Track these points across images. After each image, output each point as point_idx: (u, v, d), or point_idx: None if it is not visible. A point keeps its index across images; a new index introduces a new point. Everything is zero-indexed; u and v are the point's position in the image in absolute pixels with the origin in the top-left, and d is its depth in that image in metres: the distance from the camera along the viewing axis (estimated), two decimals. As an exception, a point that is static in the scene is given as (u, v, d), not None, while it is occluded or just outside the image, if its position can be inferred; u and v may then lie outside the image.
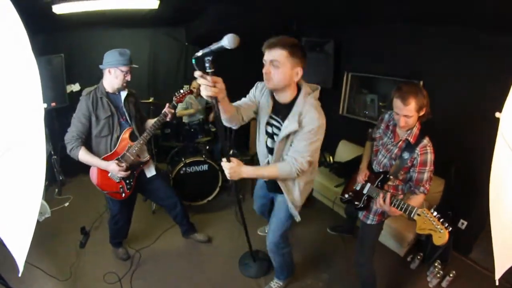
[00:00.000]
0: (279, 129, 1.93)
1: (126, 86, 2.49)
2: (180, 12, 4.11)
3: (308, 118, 1.77)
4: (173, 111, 2.66)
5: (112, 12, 3.52)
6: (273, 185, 2.21)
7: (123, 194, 2.60)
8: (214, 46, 1.35)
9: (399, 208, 1.95)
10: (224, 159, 1.83)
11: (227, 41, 1.28)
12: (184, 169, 3.62)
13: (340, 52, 4.18)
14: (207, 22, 4.11)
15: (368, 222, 2.30)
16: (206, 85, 1.44)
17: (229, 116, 1.79)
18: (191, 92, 2.91)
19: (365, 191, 2.27)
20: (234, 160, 1.85)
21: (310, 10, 3.60)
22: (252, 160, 5.10)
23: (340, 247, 3.35)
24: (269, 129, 2.01)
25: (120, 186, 2.57)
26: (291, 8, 3.67)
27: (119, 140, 2.48)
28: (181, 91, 2.79)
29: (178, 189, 3.59)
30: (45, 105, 3.96)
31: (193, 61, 1.40)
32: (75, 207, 3.96)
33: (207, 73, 1.42)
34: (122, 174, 2.45)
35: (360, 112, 4.32)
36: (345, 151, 4.28)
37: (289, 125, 1.83)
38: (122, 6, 3.31)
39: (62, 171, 4.32)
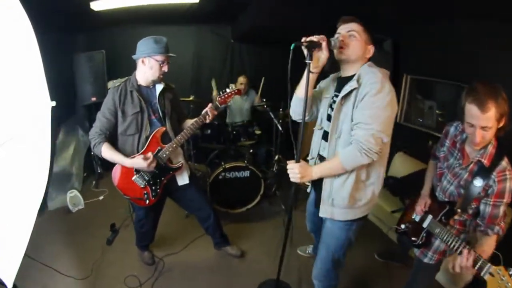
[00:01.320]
0: (334, 101, 1.72)
1: (163, 79, 2.22)
2: (223, 7, 3.92)
3: (368, 78, 1.53)
4: (215, 112, 2.33)
5: (152, 8, 3.47)
6: (319, 196, 1.84)
7: (147, 201, 2.31)
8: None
9: None
10: (291, 161, 1.67)
11: (333, 43, 1.46)
12: (223, 174, 3.35)
13: (399, 51, 3.71)
14: (252, 18, 3.82)
15: (426, 260, 1.91)
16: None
17: (310, 99, 1.73)
18: (238, 92, 2.46)
19: (425, 225, 1.87)
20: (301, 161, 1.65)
21: (367, 4, 3.19)
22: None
23: (386, 277, 2.87)
24: (330, 112, 1.76)
25: (145, 192, 2.28)
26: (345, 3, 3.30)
27: (148, 140, 2.19)
28: (227, 90, 2.39)
29: (215, 194, 3.37)
30: (87, 100, 4.09)
31: (292, 46, 1.43)
32: (109, 202, 3.89)
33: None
34: (152, 166, 2.14)
35: (415, 120, 3.80)
36: (401, 165, 3.75)
37: (347, 87, 1.60)
38: (160, 1, 3.27)
39: (102, 164, 4.33)
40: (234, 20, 4.64)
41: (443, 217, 1.77)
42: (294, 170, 1.63)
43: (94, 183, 4.20)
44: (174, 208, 2.94)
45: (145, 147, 2.19)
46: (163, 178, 2.31)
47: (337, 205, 1.75)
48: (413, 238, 1.92)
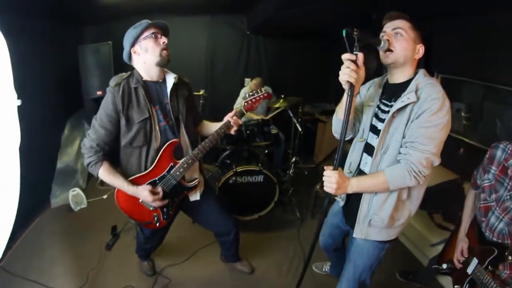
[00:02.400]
0: (383, 111, 1.53)
1: (169, 56, 1.76)
2: None
3: (428, 92, 1.34)
4: (240, 122, 1.92)
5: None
6: (351, 211, 1.66)
7: (158, 224, 1.97)
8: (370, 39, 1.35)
9: None
10: (329, 167, 1.44)
11: (383, 43, 1.37)
12: (234, 178, 3.03)
13: (430, 48, 3.27)
14: (270, 9, 3.49)
15: None
16: (351, 69, 1.29)
17: (352, 116, 1.59)
18: (268, 96, 2.01)
19: (469, 270, 1.67)
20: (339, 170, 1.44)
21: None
22: (316, 169, 4.47)
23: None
24: (375, 122, 1.56)
25: (155, 214, 1.93)
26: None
27: (159, 154, 1.79)
28: (255, 93, 1.96)
29: (224, 198, 3.06)
30: (93, 94, 3.93)
31: (344, 32, 1.24)
32: (113, 201, 3.52)
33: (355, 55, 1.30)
34: (158, 203, 1.83)
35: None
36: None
37: (403, 99, 1.39)
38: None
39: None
40: (250, 9, 4.30)
41: (489, 266, 1.55)
42: (331, 179, 1.41)
43: (99, 180, 3.98)
44: (180, 212, 2.66)
45: (154, 163, 1.79)
46: (176, 199, 1.95)
47: (374, 226, 1.57)
48: (456, 287, 1.74)
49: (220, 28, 4.71)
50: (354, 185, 1.45)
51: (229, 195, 3.06)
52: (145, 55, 1.71)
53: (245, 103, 1.95)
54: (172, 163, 1.82)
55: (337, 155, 1.39)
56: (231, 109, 1.98)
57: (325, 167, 1.45)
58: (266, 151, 3.54)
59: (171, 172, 1.83)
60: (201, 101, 3.63)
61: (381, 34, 1.46)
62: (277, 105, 3.44)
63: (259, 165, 3.04)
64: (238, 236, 2.40)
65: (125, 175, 1.80)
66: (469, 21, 2.93)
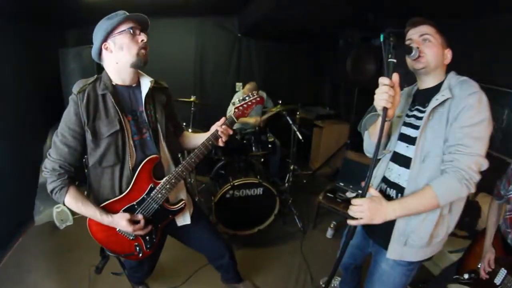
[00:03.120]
0: (416, 118, 1.41)
1: (147, 61, 1.50)
2: None
3: (463, 87, 1.26)
4: (230, 131, 1.66)
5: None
6: (381, 228, 1.39)
7: (141, 255, 1.69)
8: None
9: None
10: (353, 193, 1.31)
11: (414, 52, 1.27)
12: (231, 192, 2.82)
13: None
14: (263, 9, 3.33)
15: None
16: (389, 95, 1.18)
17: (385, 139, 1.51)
18: (260, 101, 1.73)
19: (497, 281, 1.58)
20: (373, 193, 1.32)
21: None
22: (313, 176, 4.32)
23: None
24: (406, 131, 1.44)
25: (136, 244, 1.65)
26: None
27: (136, 174, 1.51)
28: (246, 98, 1.68)
29: (221, 214, 2.86)
30: None
31: (381, 37, 1.17)
32: None
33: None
34: (139, 232, 1.56)
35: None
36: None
37: (438, 97, 1.29)
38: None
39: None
40: (241, 10, 4.13)
41: None
42: (362, 208, 1.26)
43: (85, 193, 3.71)
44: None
45: (131, 185, 1.50)
46: (159, 225, 1.68)
47: (411, 245, 1.40)
48: None
49: (210, 30, 4.51)
50: (397, 209, 1.28)
51: (226, 209, 2.86)
52: (119, 54, 1.44)
53: (236, 110, 1.68)
54: (152, 183, 1.55)
55: (367, 180, 1.26)
56: (222, 116, 1.76)
57: (353, 200, 1.30)
58: (262, 159, 3.37)
59: (152, 194, 1.55)
60: (192, 109, 3.40)
61: (408, 42, 1.37)
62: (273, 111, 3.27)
63: (258, 177, 2.85)
64: (233, 257, 2.17)
65: (97, 199, 1.54)
66: (480, 21, 2.82)
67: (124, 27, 1.41)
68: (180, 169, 1.56)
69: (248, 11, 3.85)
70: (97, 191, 1.54)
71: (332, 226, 3.11)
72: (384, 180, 1.51)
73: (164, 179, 1.56)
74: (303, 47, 4.89)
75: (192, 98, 3.39)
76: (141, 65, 1.49)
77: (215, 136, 1.62)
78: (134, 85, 1.56)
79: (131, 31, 1.42)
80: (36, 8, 3.13)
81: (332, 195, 3.06)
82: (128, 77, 1.52)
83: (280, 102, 3.30)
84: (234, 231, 2.99)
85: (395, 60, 1.17)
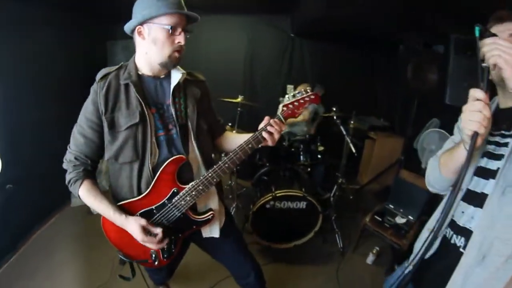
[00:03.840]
0: (498, 144, 1.06)
1: (179, 60, 1.34)
2: None
3: None
4: (276, 135, 1.34)
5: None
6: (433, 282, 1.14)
7: (156, 263, 1.49)
8: None
9: None
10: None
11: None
12: (272, 203, 2.60)
13: None
14: (315, 8, 3.09)
15: None
16: (484, 116, 0.86)
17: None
18: (315, 98, 1.40)
19: None
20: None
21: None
22: (361, 191, 4.00)
23: None
24: (485, 162, 1.09)
25: (152, 252, 1.46)
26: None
27: (157, 175, 1.33)
28: (298, 94, 1.37)
29: (258, 224, 2.66)
30: None
31: (476, 31, 0.88)
32: None
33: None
34: (152, 246, 1.36)
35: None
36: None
37: None
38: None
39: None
40: (294, 8, 3.86)
41: None
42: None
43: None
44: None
45: (150, 187, 1.33)
46: (180, 235, 1.48)
47: None
48: None
49: (261, 28, 4.34)
50: None
51: (264, 220, 2.65)
52: (150, 46, 1.29)
53: (284, 108, 1.36)
54: (175, 188, 1.35)
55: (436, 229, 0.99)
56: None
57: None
58: (309, 169, 3.09)
59: (174, 200, 1.35)
60: (238, 109, 3.24)
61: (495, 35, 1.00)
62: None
63: (303, 189, 2.60)
64: (260, 277, 1.91)
65: (115, 197, 1.41)
66: None
67: (168, 20, 1.24)
68: (209, 175, 1.33)
69: (301, 9, 3.59)
70: (115, 189, 1.41)
71: (374, 251, 2.79)
72: (451, 224, 1.16)
73: (190, 184, 1.34)
74: (360, 50, 4.52)
75: (239, 99, 3.21)
76: (171, 67, 1.35)
77: (257, 139, 1.34)
78: (162, 76, 1.39)
79: (171, 30, 1.25)
80: (89, 2, 3.21)
81: (380, 219, 2.73)
82: (156, 70, 1.37)
83: (335, 109, 3.00)
84: (269, 242, 2.77)
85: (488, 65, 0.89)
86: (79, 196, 1.35)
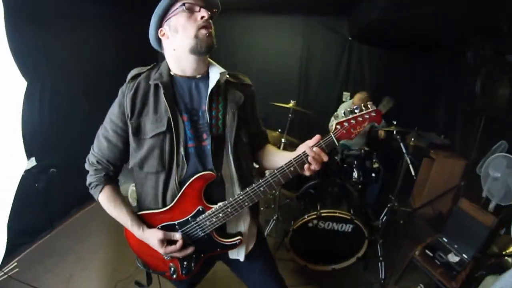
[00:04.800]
0: None
1: (213, 45, 1.15)
2: None
3: None
4: (325, 158, 1.11)
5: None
6: None
7: (174, 276, 1.34)
8: None
9: None
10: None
11: None
12: (315, 222, 2.38)
13: None
14: (376, 9, 2.80)
15: None
16: None
17: None
18: (377, 116, 1.10)
19: None
20: None
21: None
22: (412, 215, 3.64)
23: None
24: None
25: (171, 265, 1.33)
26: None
27: (182, 191, 1.17)
28: (356, 110, 1.09)
29: (296, 242, 2.47)
30: None
31: None
32: None
33: None
34: (177, 254, 1.24)
35: None
36: None
37: None
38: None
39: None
40: (352, 10, 3.64)
41: None
42: None
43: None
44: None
45: (174, 201, 1.18)
46: (202, 255, 1.32)
47: None
48: None
49: (317, 31, 4.13)
50: None
51: (304, 239, 2.45)
52: (175, 38, 1.14)
53: (338, 126, 1.10)
54: (200, 206, 1.19)
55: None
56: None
57: None
58: (360, 185, 2.82)
59: (198, 219, 1.20)
60: (289, 115, 3.01)
61: None
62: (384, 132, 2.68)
63: (351, 211, 2.35)
64: None
65: (140, 204, 1.30)
66: None
67: (177, 4, 1.11)
68: (241, 198, 1.15)
69: (360, 11, 3.35)
70: (140, 195, 1.29)
71: (418, 288, 2.47)
72: None
73: (218, 205, 1.18)
74: (422, 57, 4.12)
75: (291, 104, 2.98)
76: (203, 50, 1.13)
77: (301, 161, 1.11)
78: (198, 76, 1.21)
79: (185, 7, 1.10)
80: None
81: (431, 254, 2.39)
82: (190, 67, 1.19)
83: (395, 123, 2.68)
84: (306, 262, 2.57)
85: None
86: (98, 202, 1.27)
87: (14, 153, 1.59)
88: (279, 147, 2.80)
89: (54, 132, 2.92)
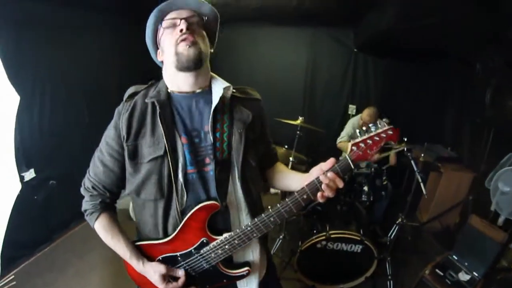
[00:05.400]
0: None
1: (199, 59, 1.04)
2: (345, 4, 3.09)
3: None
4: (340, 184, 1.03)
5: (254, 4, 3.01)
6: None
7: None
8: None
9: None
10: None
11: None
12: (323, 243, 2.31)
13: None
14: (383, 21, 2.75)
15: None
16: None
17: None
18: (394, 135, 1.03)
19: None
20: None
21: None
22: (419, 230, 3.55)
23: None
24: None
25: None
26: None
27: (183, 221, 1.07)
28: (372, 129, 1.02)
29: (304, 262, 2.39)
30: None
31: None
32: None
33: None
34: None
35: None
36: None
37: None
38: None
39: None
40: (358, 21, 3.58)
41: None
42: None
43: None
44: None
45: (175, 232, 1.09)
46: (207, 286, 1.22)
47: None
48: None
49: (322, 42, 4.08)
50: None
51: (312, 259, 2.39)
52: (164, 58, 1.09)
53: (354, 148, 1.02)
54: (204, 238, 1.09)
55: None
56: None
57: None
58: (368, 202, 2.74)
59: (202, 251, 1.10)
60: (297, 133, 2.91)
61: None
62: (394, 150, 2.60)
63: (361, 231, 2.29)
64: None
65: (140, 231, 1.20)
66: None
67: (164, 24, 1.07)
68: (249, 229, 1.06)
69: (367, 21, 3.29)
70: (139, 223, 1.19)
71: (426, 309, 2.39)
72: None
73: (223, 236, 1.08)
74: (430, 68, 4.05)
75: (299, 121, 2.91)
76: (189, 65, 1.03)
77: (314, 188, 1.03)
78: (198, 90, 1.11)
79: (162, 26, 1.07)
80: (143, 7, 3.23)
81: (441, 273, 2.32)
82: (185, 83, 1.09)
83: (406, 139, 2.61)
84: (313, 282, 2.50)
85: None
86: (94, 230, 1.19)
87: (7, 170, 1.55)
88: (286, 166, 2.74)
89: (53, 143, 2.86)
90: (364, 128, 1.02)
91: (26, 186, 2.59)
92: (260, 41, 4.14)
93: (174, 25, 1.04)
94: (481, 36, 2.86)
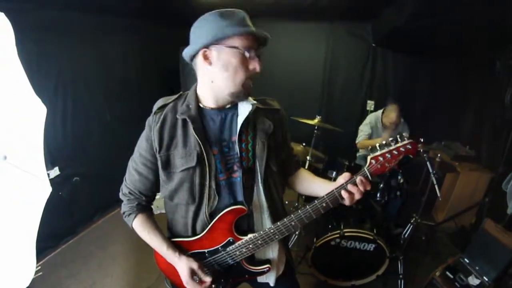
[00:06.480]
0: None
1: (249, 94, 1.15)
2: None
3: None
4: (358, 195, 1.10)
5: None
6: None
7: None
8: None
9: None
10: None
11: None
12: (337, 240, 2.35)
13: None
14: (402, 15, 2.71)
15: None
16: None
17: None
18: (412, 149, 1.08)
19: None
20: None
21: None
22: (434, 230, 3.54)
23: None
24: None
25: None
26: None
27: (212, 223, 1.18)
28: (392, 144, 1.07)
29: (317, 258, 2.46)
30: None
31: None
32: None
33: None
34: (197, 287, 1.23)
35: None
36: None
37: None
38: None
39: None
40: (376, 15, 3.52)
41: None
42: None
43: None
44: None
45: (204, 232, 1.19)
46: (230, 280, 1.34)
47: None
48: None
49: (340, 37, 4.02)
50: None
51: (326, 256, 2.43)
52: (219, 73, 1.08)
53: (373, 161, 1.09)
54: (231, 237, 1.20)
55: None
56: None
57: None
58: (383, 200, 2.74)
59: (228, 249, 1.21)
60: (315, 132, 2.90)
61: None
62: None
63: (374, 230, 2.31)
64: None
65: (171, 229, 1.32)
66: None
67: (239, 43, 1.05)
68: (271, 231, 1.16)
69: (384, 16, 3.24)
70: (171, 221, 1.31)
71: (435, 309, 2.39)
72: None
73: (248, 236, 1.18)
74: (448, 64, 3.96)
75: (316, 120, 2.89)
76: (242, 98, 1.15)
77: (334, 198, 1.11)
78: (228, 106, 1.19)
79: (245, 53, 1.06)
80: (158, 9, 3.35)
81: (451, 276, 2.33)
82: (224, 102, 1.17)
83: (423, 140, 2.60)
84: (326, 277, 2.55)
85: None
86: (133, 229, 1.29)
87: (37, 178, 1.60)
88: (304, 164, 2.79)
89: (77, 142, 3.01)
90: (384, 142, 1.10)
91: (51, 183, 2.76)
92: (276, 36, 4.13)
93: (248, 50, 1.06)
94: (502, 34, 2.81)
